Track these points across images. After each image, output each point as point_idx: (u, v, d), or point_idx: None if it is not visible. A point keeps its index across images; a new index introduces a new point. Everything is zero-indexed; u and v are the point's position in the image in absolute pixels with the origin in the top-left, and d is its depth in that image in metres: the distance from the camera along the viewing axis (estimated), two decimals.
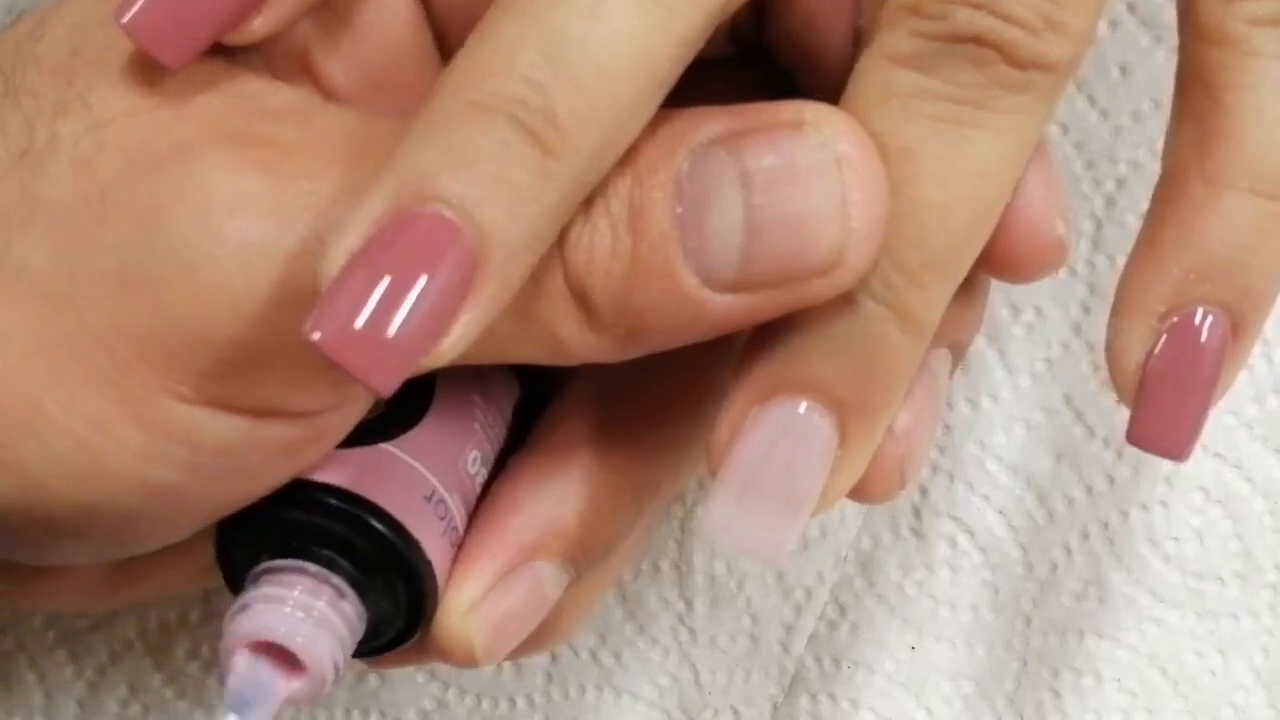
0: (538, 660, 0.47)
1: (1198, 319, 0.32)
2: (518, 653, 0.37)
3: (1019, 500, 0.44)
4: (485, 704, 0.47)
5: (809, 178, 0.30)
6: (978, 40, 0.30)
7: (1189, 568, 0.44)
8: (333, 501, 0.34)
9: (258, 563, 0.34)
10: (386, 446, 0.35)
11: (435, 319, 0.28)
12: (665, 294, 0.30)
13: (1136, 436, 0.33)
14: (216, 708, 0.48)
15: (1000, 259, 0.32)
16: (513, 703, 0.47)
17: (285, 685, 0.33)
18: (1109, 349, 0.33)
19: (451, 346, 0.29)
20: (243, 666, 0.33)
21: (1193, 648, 0.45)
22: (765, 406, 0.32)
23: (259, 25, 0.31)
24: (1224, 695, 0.45)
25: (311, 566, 0.33)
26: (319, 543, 0.34)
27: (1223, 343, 0.33)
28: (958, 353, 0.34)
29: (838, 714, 0.46)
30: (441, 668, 0.47)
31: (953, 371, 0.35)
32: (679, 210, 0.30)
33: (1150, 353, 0.33)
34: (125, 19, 0.30)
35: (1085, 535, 0.44)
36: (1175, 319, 0.33)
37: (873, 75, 0.30)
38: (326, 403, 0.32)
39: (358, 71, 0.35)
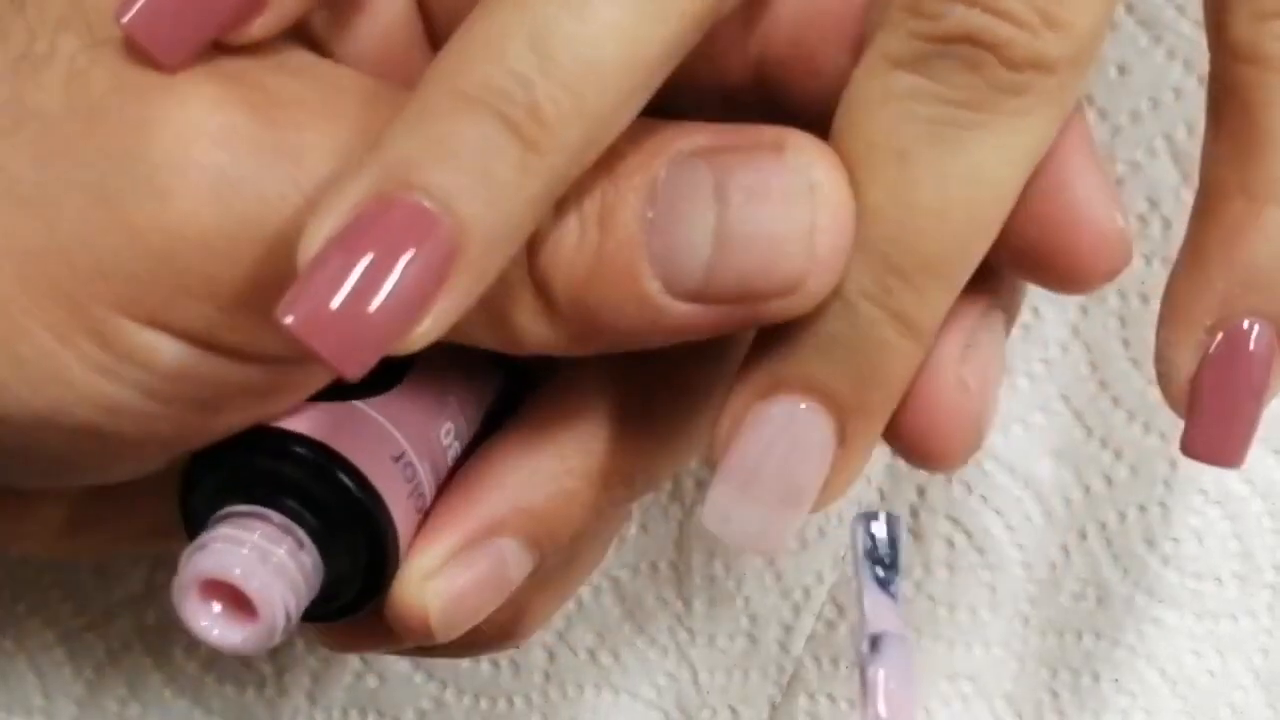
0: (536, 659, 0.47)
1: (1245, 329, 0.33)
2: (477, 649, 0.37)
3: (1017, 501, 0.44)
4: (483, 703, 0.47)
5: (782, 200, 0.30)
6: (971, 40, 0.30)
7: (1187, 568, 0.44)
8: (299, 450, 0.34)
9: (220, 508, 0.33)
10: (359, 404, 0.35)
11: (409, 307, 0.29)
12: (625, 294, 0.31)
13: (1191, 448, 0.34)
14: (216, 707, 0.48)
15: (1063, 264, 0.31)
16: (510, 702, 0.47)
17: (232, 630, 0.33)
18: (1158, 361, 0.34)
19: (423, 335, 0.29)
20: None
21: (1191, 648, 0.45)
22: (765, 404, 0.32)
23: (258, 27, 0.31)
24: (1222, 695, 0.45)
25: (274, 515, 0.33)
26: (283, 491, 0.33)
27: (1270, 351, 0.33)
28: (1010, 315, 0.34)
29: (836, 714, 0.46)
30: (440, 667, 0.47)
31: (1007, 333, 0.35)
32: (650, 215, 0.30)
33: (1200, 365, 0.33)
34: (125, 19, 0.31)
35: (1083, 535, 0.44)
36: (1223, 331, 0.33)
37: (871, 78, 0.31)
38: (283, 353, 0.32)
39: (355, 49, 0.35)
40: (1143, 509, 0.44)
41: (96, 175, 0.31)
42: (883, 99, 0.30)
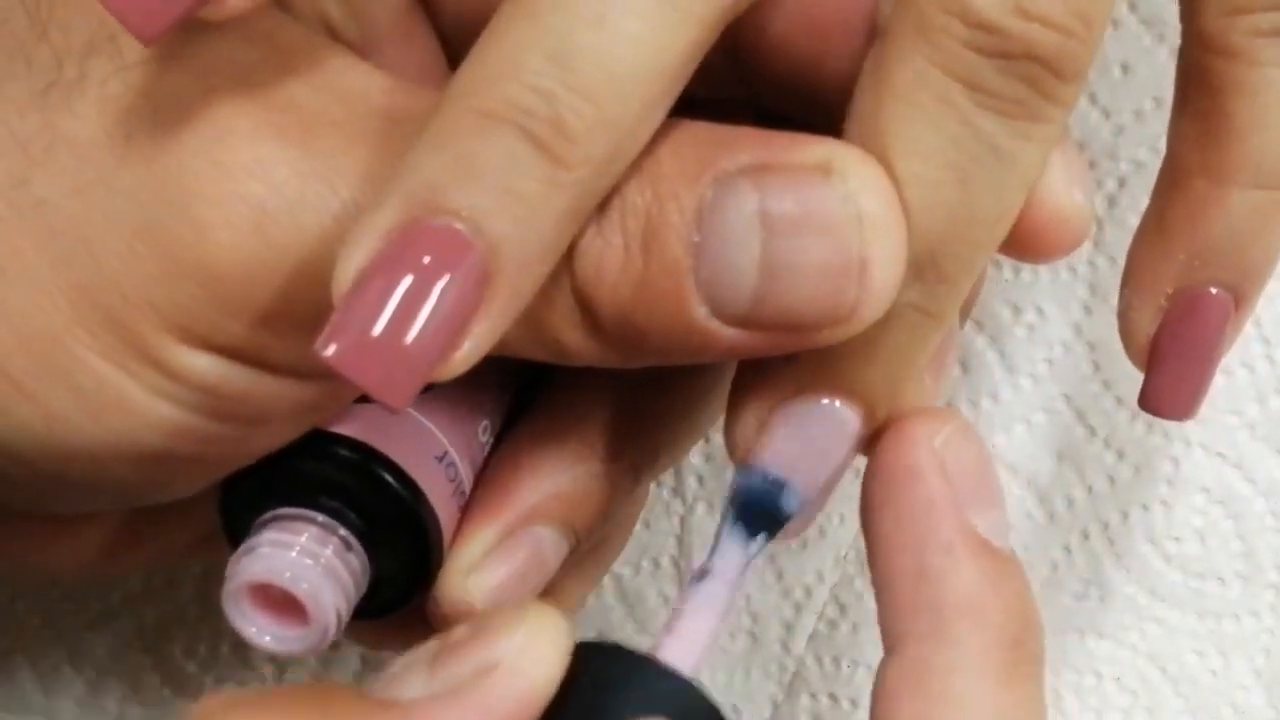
0: None
1: (1202, 295, 0.35)
2: None
3: (1019, 500, 0.44)
4: None
5: (830, 230, 0.30)
6: (1031, 55, 0.29)
7: (1190, 568, 0.44)
8: (345, 452, 0.34)
9: (263, 512, 0.33)
10: None
11: (448, 332, 0.28)
12: (672, 319, 0.30)
13: (1149, 403, 0.36)
14: None
15: (1023, 240, 0.32)
16: None
17: (284, 633, 0.33)
18: (1121, 320, 0.36)
19: (464, 359, 0.29)
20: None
21: (1193, 647, 0.45)
22: (794, 403, 0.32)
23: (235, 3, 0.31)
24: (1225, 695, 0.45)
25: (320, 516, 0.33)
26: (328, 493, 0.33)
27: (1225, 316, 0.35)
28: (966, 307, 0.35)
29: (838, 713, 0.46)
30: None
31: (962, 325, 0.36)
32: (695, 239, 0.30)
33: (1160, 326, 0.35)
34: None
35: (1086, 535, 0.44)
36: (1182, 297, 0.35)
37: (923, 89, 0.30)
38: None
39: (367, 30, 0.35)
40: (1145, 508, 0.44)
41: (136, 206, 0.31)
42: (936, 113, 0.30)
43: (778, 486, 0.32)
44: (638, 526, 0.46)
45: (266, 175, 0.31)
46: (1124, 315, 0.36)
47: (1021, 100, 0.30)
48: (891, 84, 0.30)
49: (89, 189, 0.31)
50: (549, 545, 0.36)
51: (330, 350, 0.28)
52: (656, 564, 0.46)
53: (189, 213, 0.31)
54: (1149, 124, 0.42)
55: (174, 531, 0.37)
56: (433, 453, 0.35)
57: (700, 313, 0.30)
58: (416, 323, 0.28)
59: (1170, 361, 0.36)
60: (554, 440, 0.36)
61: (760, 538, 0.32)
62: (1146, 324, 0.36)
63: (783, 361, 0.32)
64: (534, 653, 0.29)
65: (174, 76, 0.31)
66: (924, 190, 0.30)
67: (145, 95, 0.31)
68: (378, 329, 0.28)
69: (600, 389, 0.36)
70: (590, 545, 0.37)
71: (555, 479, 0.36)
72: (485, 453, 0.36)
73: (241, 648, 0.47)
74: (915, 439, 0.32)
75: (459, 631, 0.30)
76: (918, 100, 0.30)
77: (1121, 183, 0.43)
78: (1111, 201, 0.43)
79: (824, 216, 0.30)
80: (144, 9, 0.30)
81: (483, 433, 0.36)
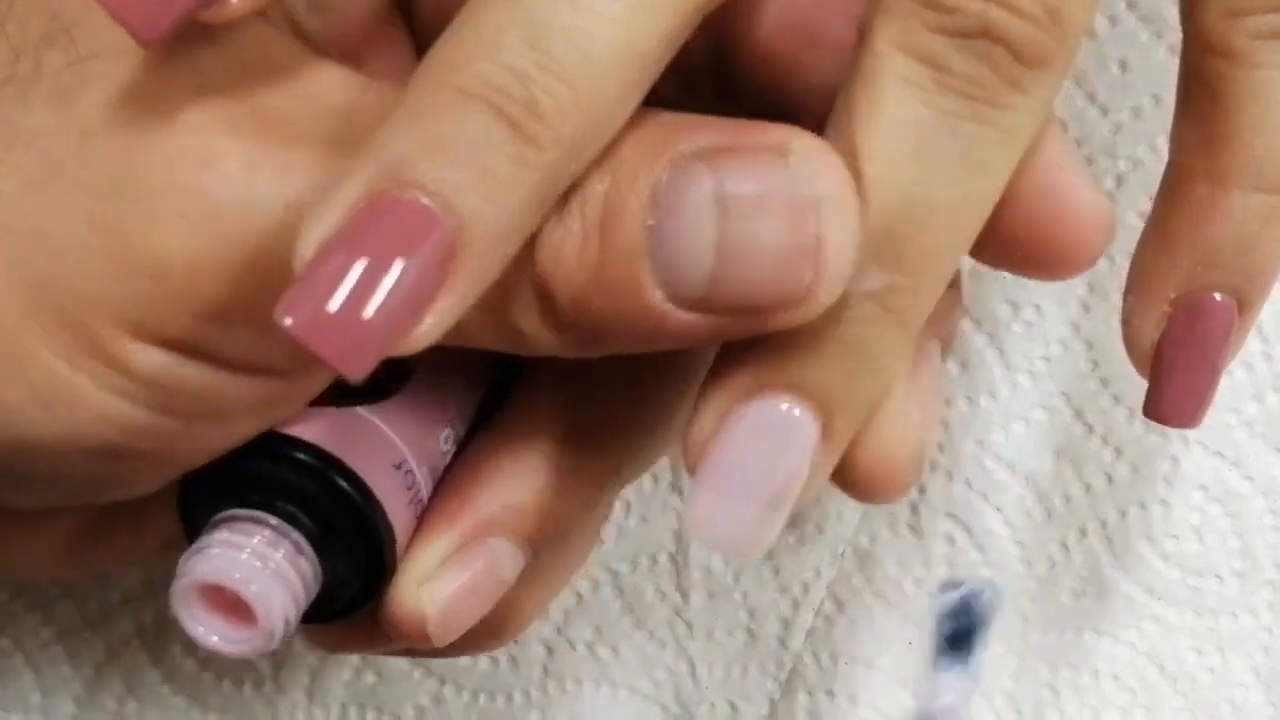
0: (534, 654, 0.47)
1: (1206, 301, 0.35)
2: (467, 648, 0.37)
3: (1018, 498, 0.44)
4: (482, 699, 0.47)
5: (786, 212, 0.29)
6: (988, 34, 0.29)
7: (1188, 565, 0.44)
8: (300, 456, 0.33)
9: (218, 512, 0.33)
10: (362, 410, 0.35)
11: (410, 306, 0.28)
12: (628, 304, 0.30)
13: (1152, 410, 0.36)
14: (214, 705, 0.48)
15: (1054, 253, 0.32)
16: (509, 697, 0.47)
17: (232, 634, 0.33)
18: (1125, 326, 0.36)
19: (425, 334, 0.29)
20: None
21: (1191, 645, 0.45)
22: (747, 404, 0.31)
23: (236, 4, 0.31)
24: (1222, 692, 0.45)
25: (273, 519, 0.33)
26: (283, 496, 0.33)
27: (1229, 322, 0.35)
28: (947, 342, 0.34)
29: (835, 710, 0.46)
30: (438, 664, 0.47)
31: (944, 359, 0.35)
32: (651, 222, 0.30)
33: (1163, 333, 0.35)
34: None
35: (1083, 533, 0.44)
36: (1185, 303, 0.35)
37: (886, 71, 0.30)
38: (293, 366, 0.32)
39: (333, 29, 0.35)
40: (1143, 506, 0.44)
41: (91, 200, 0.31)
42: (898, 93, 0.30)
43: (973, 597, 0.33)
44: (635, 523, 0.46)
45: (219, 167, 0.31)
46: (1127, 322, 0.36)
47: (982, 82, 0.30)
48: (859, 68, 0.30)
49: (44, 183, 0.31)
50: (505, 557, 0.35)
51: (289, 320, 0.28)
52: (654, 561, 0.46)
53: (141, 204, 0.31)
54: (1147, 121, 0.42)
55: (142, 534, 0.37)
56: (390, 460, 0.34)
57: (656, 296, 0.30)
58: (378, 296, 0.28)
59: (1174, 369, 0.35)
60: (514, 452, 0.36)
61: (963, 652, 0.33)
62: (1150, 330, 0.35)
63: (739, 359, 0.31)
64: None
65: (129, 70, 0.31)
66: (882, 166, 0.30)
67: (100, 88, 0.31)
68: (339, 299, 0.28)
69: (564, 401, 0.36)
70: (549, 558, 0.37)
71: (514, 491, 0.35)
72: (447, 462, 0.36)
73: None
74: None
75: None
76: (882, 80, 0.30)
77: (1120, 181, 0.43)
78: (1109, 199, 0.43)
79: (779, 197, 0.29)
80: (144, 11, 0.30)
81: (444, 442, 0.36)
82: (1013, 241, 0.32)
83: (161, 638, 0.47)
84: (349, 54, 0.34)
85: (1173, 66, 0.42)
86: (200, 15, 0.30)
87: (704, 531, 0.32)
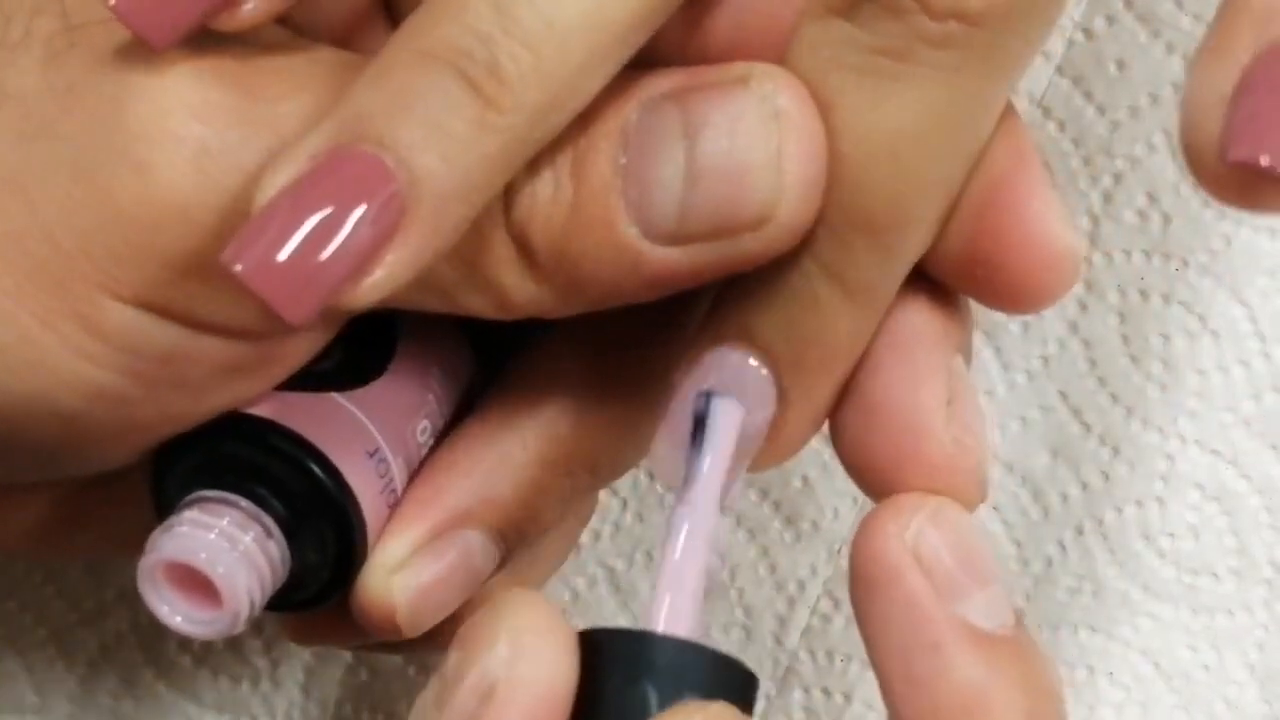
0: None
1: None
2: (441, 645, 0.37)
3: (1014, 496, 0.44)
4: None
5: (747, 129, 0.30)
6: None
7: (1184, 563, 0.44)
8: (272, 438, 0.34)
9: (190, 492, 0.33)
10: (337, 396, 0.35)
11: (358, 257, 0.29)
12: (604, 242, 0.31)
13: (1235, 145, 0.28)
14: (210, 701, 0.48)
15: (1008, 281, 0.32)
16: None
17: (196, 615, 0.33)
18: (1187, 98, 0.30)
19: (374, 287, 0.29)
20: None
21: (1187, 643, 0.45)
22: (710, 351, 0.32)
23: (248, 11, 0.31)
24: (1218, 690, 0.45)
25: (243, 501, 0.33)
26: (254, 479, 0.33)
27: None
28: (966, 355, 0.34)
29: (831, 707, 0.46)
30: (435, 661, 0.47)
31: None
32: (622, 160, 0.30)
33: (1243, 75, 0.28)
34: (113, 0, 0.31)
35: (1080, 531, 0.44)
36: (1267, 51, 0.29)
37: (808, 25, 0.31)
38: (264, 325, 0.32)
39: (323, 26, 0.35)
40: (1139, 505, 0.44)
41: (76, 151, 0.31)
42: (814, 46, 0.31)
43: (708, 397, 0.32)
44: (630, 519, 0.46)
45: (209, 116, 0.31)
46: (1190, 95, 0.29)
47: (891, 35, 0.30)
48: (796, 32, 0.31)
49: (31, 138, 0.31)
50: (478, 550, 0.35)
51: (238, 265, 0.28)
52: (650, 557, 0.46)
53: (129, 154, 0.31)
54: (1144, 120, 0.42)
55: (124, 515, 0.37)
56: (365, 448, 0.34)
57: (631, 233, 0.31)
58: (329, 244, 0.29)
59: (1260, 93, 0.28)
60: (492, 443, 0.36)
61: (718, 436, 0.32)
62: (1221, 81, 0.28)
63: (708, 315, 0.32)
64: (526, 659, 0.29)
65: (120, 34, 0.31)
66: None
67: (89, 50, 0.31)
68: (289, 245, 0.29)
69: (545, 394, 0.36)
70: (524, 555, 0.37)
71: (490, 482, 0.35)
72: (424, 454, 0.36)
73: (235, 641, 0.47)
74: (886, 534, 0.31)
75: (450, 662, 0.30)
76: (804, 36, 0.31)
77: (1117, 179, 0.43)
78: (1107, 198, 0.43)
79: (743, 118, 0.30)
80: (156, 17, 0.30)
81: (421, 433, 0.36)
82: (967, 263, 0.32)
83: (156, 635, 0.47)
84: (335, 45, 0.34)
85: (1170, 65, 0.42)
86: (211, 23, 0.31)
87: (660, 469, 0.33)
